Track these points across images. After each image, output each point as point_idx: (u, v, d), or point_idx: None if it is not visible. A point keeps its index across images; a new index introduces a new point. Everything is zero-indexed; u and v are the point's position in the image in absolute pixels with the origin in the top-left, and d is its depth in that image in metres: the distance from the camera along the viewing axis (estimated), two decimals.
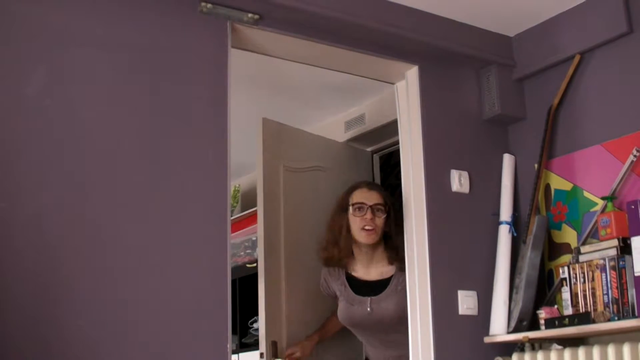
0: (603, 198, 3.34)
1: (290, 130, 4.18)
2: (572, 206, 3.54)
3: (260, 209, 3.96)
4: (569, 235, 3.53)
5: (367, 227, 3.67)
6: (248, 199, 5.57)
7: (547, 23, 3.69)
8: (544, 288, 3.57)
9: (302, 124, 4.60)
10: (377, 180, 4.75)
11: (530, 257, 3.46)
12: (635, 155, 3.26)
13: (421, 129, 3.62)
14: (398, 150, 3.77)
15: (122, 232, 2.82)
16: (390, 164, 4.85)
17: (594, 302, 3.21)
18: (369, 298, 3.69)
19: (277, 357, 3.77)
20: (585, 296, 3.25)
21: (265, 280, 3.86)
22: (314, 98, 4.60)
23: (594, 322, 3.15)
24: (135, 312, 2.79)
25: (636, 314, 3.06)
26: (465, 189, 3.68)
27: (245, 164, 4.15)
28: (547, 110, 3.65)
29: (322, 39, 3.42)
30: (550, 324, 3.30)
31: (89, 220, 2.77)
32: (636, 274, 3.06)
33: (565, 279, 3.35)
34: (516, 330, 3.41)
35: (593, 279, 3.23)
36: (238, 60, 3.30)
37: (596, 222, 3.35)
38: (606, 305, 3.16)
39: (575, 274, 3.31)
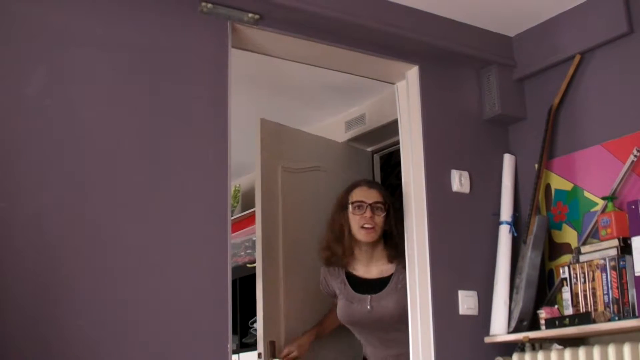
0: (603, 198, 3.34)
1: (288, 131, 4.18)
2: (573, 206, 3.54)
3: (258, 209, 3.96)
4: (569, 235, 3.53)
5: (366, 226, 3.67)
6: (248, 199, 5.56)
7: (547, 23, 3.69)
8: (545, 288, 3.57)
9: (302, 124, 4.60)
10: (378, 180, 4.75)
11: (530, 257, 3.46)
12: (635, 155, 3.26)
13: (421, 129, 3.62)
14: (398, 150, 3.77)
15: (122, 232, 2.82)
16: (391, 164, 4.85)
17: (595, 302, 3.21)
18: (368, 296, 3.69)
19: (275, 357, 3.77)
20: (585, 296, 3.25)
21: (264, 280, 3.86)
22: (315, 98, 4.60)
23: (594, 322, 3.14)
24: (135, 312, 2.79)
25: (636, 314, 3.06)
26: (466, 189, 3.68)
27: (246, 164, 4.15)
28: (547, 110, 3.65)
29: (322, 39, 3.42)
30: (550, 324, 3.30)
31: (89, 220, 2.77)
32: (636, 274, 3.06)
33: (565, 279, 3.35)
34: (516, 330, 3.41)
35: (593, 279, 3.23)
36: (238, 60, 3.30)
37: (596, 222, 3.35)
38: (607, 305, 3.16)
39: (576, 274, 3.31)
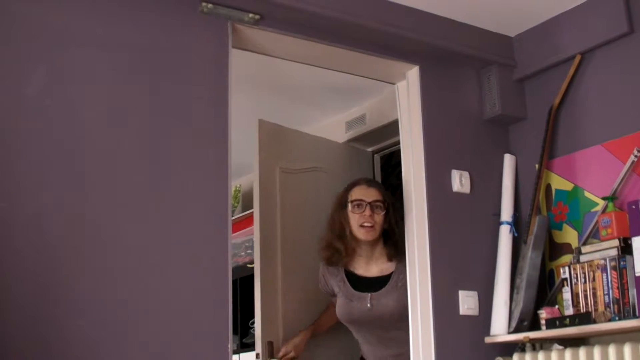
0: (604, 198, 3.34)
1: (287, 132, 4.18)
2: (573, 206, 3.54)
3: (256, 209, 3.97)
4: (569, 236, 3.53)
5: (366, 224, 3.67)
6: (249, 199, 5.55)
7: (547, 23, 3.69)
8: (545, 288, 3.56)
9: (302, 124, 4.60)
10: (378, 180, 4.74)
11: (531, 257, 3.46)
12: (636, 156, 3.26)
13: (422, 129, 3.62)
14: (399, 151, 3.76)
15: (122, 232, 2.82)
16: (391, 164, 4.85)
17: (595, 302, 3.21)
18: (369, 294, 3.68)
19: (273, 358, 3.77)
20: (586, 296, 3.25)
21: (261, 280, 3.86)
22: (315, 98, 4.60)
23: (594, 322, 3.14)
24: (135, 312, 2.79)
25: (637, 314, 3.06)
26: (466, 189, 3.67)
27: (246, 164, 4.16)
28: (547, 110, 3.65)
29: (322, 39, 3.42)
30: (551, 324, 3.30)
31: (89, 220, 2.77)
32: (637, 274, 3.05)
33: (566, 279, 3.35)
34: (517, 330, 3.41)
35: (594, 279, 3.23)
36: (238, 61, 3.30)
37: (597, 222, 3.35)
38: (607, 306, 3.16)
39: (576, 274, 3.30)
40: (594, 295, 3.22)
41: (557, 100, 3.63)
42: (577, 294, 3.28)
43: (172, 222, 2.93)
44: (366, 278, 3.75)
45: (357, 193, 3.73)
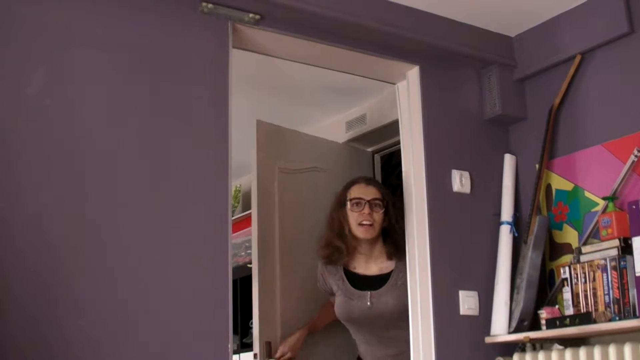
0: (604, 198, 3.34)
1: (285, 132, 4.18)
2: (573, 206, 3.54)
3: (254, 209, 3.97)
4: (570, 236, 3.53)
5: (364, 222, 3.67)
6: (249, 199, 5.55)
7: (548, 23, 3.69)
8: (545, 288, 3.56)
9: (302, 125, 4.60)
10: (379, 180, 4.74)
11: (531, 257, 3.46)
12: (636, 156, 3.26)
13: (422, 129, 3.62)
14: (399, 151, 3.76)
15: (122, 232, 2.82)
16: (392, 164, 4.85)
17: (595, 302, 3.21)
18: (368, 292, 3.68)
19: (271, 358, 3.77)
20: (586, 296, 3.25)
21: (259, 280, 3.86)
22: (315, 98, 4.60)
23: (595, 322, 3.14)
24: (135, 312, 2.78)
25: (637, 314, 3.06)
26: (467, 189, 3.67)
27: (247, 164, 4.16)
28: (548, 110, 3.65)
29: (322, 39, 3.42)
30: (551, 324, 3.30)
31: (89, 220, 2.77)
32: (637, 274, 3.05)
33: (566, 279, 3.35)
34: (517, 330, 3.41)
35: (594, 279, 3.23)
36: (239, 61, 3.30)
37: (597, 222, 3.34)
38: (607, 306, 3.16)
39: (577, 274, 3.30)
40: (594, 295, 3.22)
41: (558, 100, 3.63)
42: (578, 294, 3.28)
43: (172, 222, 2.93)
44: (366, 276, 3.75)
45: (356, 191, 3.73)
